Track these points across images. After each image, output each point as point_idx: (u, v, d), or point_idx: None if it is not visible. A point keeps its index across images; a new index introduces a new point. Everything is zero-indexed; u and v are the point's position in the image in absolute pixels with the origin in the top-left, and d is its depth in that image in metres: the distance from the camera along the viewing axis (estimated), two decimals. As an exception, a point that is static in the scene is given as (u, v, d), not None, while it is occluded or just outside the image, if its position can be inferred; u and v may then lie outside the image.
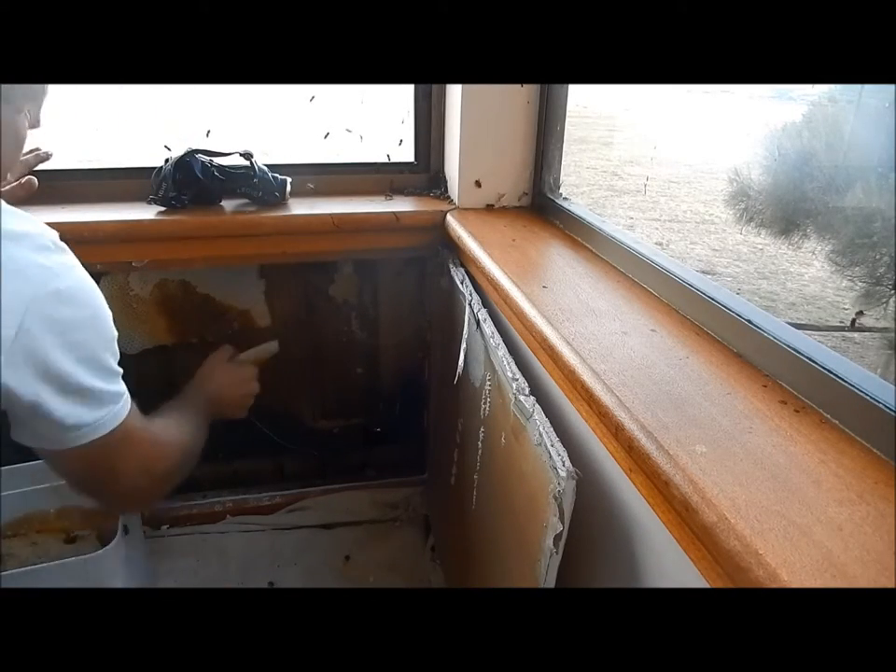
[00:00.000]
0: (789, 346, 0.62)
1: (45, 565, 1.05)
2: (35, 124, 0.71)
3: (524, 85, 1.15)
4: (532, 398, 0.75)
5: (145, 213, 1.13)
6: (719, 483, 0.48)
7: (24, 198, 1.02)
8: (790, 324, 0.65)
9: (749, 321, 0.67)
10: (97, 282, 0.67)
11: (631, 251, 0.90)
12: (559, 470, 0.63)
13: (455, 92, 1.18)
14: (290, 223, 1.17)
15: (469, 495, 1.04)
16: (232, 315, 1.41)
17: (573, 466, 0.63)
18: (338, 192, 1.29)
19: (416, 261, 1.42)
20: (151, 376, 1.39)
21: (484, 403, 0.92)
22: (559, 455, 0.65)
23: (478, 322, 0.95)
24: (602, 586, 0.75)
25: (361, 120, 1.50)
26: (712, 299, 0.73)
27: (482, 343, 0.94)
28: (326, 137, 1.35)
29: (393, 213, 1.20)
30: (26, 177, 1.03)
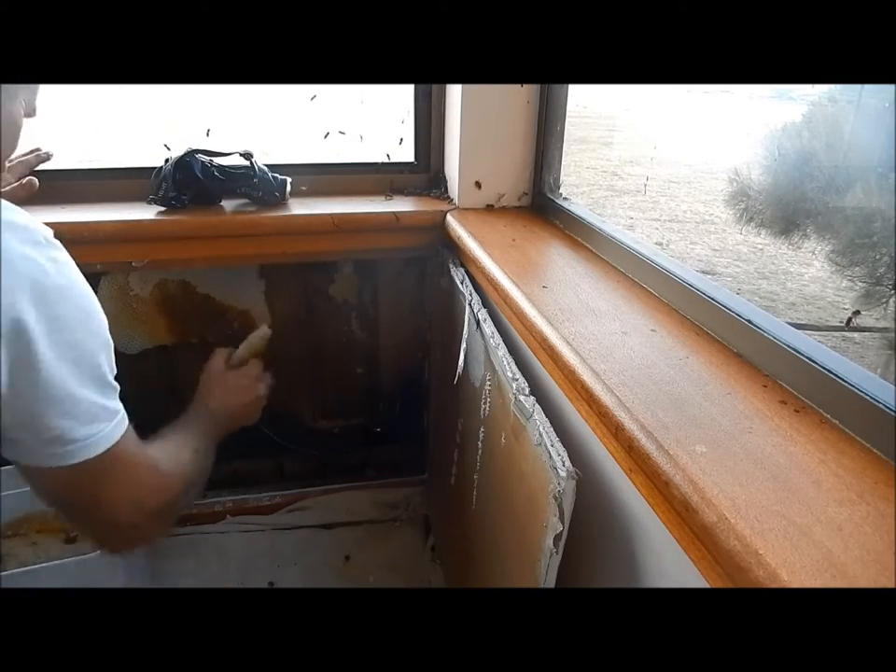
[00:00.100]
0: (789, 346, 0.62)
1: (45, 565, 1.05)
2: (30, 113, 0.68)
3: (524, 85, 1.15)
4: (532, 398, 0.75)
5: (145, 213, 1.13)
6: (719, 483, 0.48)
7: (25, 198, 1.02)
8: (790, 324, 0.65)
9: (749, 321, 0.67)
10: (97, 282, 0.67)
11: (631, 251, 0.90)
12: (559, 470, 0.63)
13: (455, 92, 1.18)
14: (290, 223, 1.17)
15: (469, 495, 1.04)
16: (232, 315, 1.41)
17: (573, 466, 0.63)
18: (338, 192, 1.29)
19: (416, 261, 1.42)
20: (151, 376, 1.39)
21: (484, 403, 0.92)
22: (559, 455, 0.65)
23: (478, 322, 0.95)
24: (602, 586, 0.75)
25: (361, 120, 1.50)
26: (712, 299, 0.73)
27: (482, 343, 0.94)
28: (326, 137, 1.35)
29: (393, 213, 1.20)
30: (27, 178, 1.03)
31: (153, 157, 1.18)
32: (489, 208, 1.24)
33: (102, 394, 0.64)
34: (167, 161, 1.14)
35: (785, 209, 1.96)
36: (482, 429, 0.94)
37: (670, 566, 0.60)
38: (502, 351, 0.84)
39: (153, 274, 1.32)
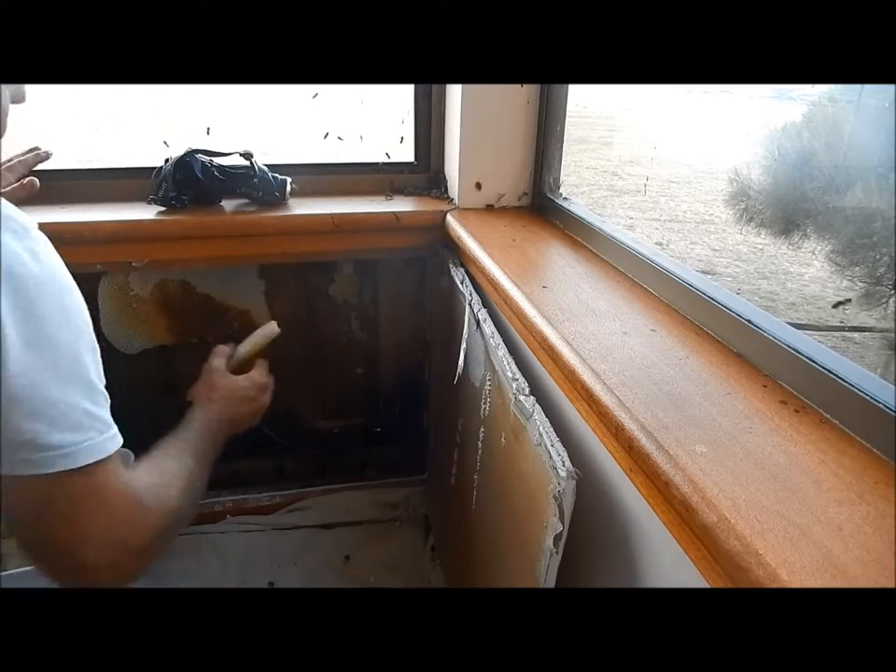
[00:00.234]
0: (789, 346, 0.62)
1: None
2: (19, 99, 0.65)
3: (524, 85, 1.15)
4: (532, 398, 0.75)
5: (145, 213, 1.13)
6: (719, 482, 0.48)
7: (26, 198, 1.02)
8: (790, 324, 0.65)
9: (749, 321, 0.67)
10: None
11: (631, 251, 0.90)
12: (559, 470, 0.63)
13: (455, 92, 1.18)
14: (290, 223, 1.17)
15: (469, 495, 1.03)
16: (232, 315, 1.41)
17: (573, 466, 0.63)
18: (338, 192, 1.29)
19: (416, 261, 1.42)
20: (151, 376, 1.40)
21: (484, 403, 0.92)
22: (559, 455, 0.65)
23: (478, 322, 0.95)
24: (602, 586, 0.75)
25: (361, 120, 1.50)
26: (712, 299, 0.73)
27: (482, 343, 0.94)
28: (325, 137, 1.35)
29: (393, 213, 1.20)
30: (28, 178, 1.03)
31: (153, 157, 1.18)
32: (489, 208, 1.24)
33: (89, 399, 0.57)
34: (167, 161, 1.14)
35: (785, 209, 1.96)
36: (482, 429, 0.94)
37: (670, 566, 0.60)
38: (502, 351, 0.84)
39: (153, 274, 1.32)
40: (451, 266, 1.14)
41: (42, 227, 0.59)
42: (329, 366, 1.52)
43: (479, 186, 1.22)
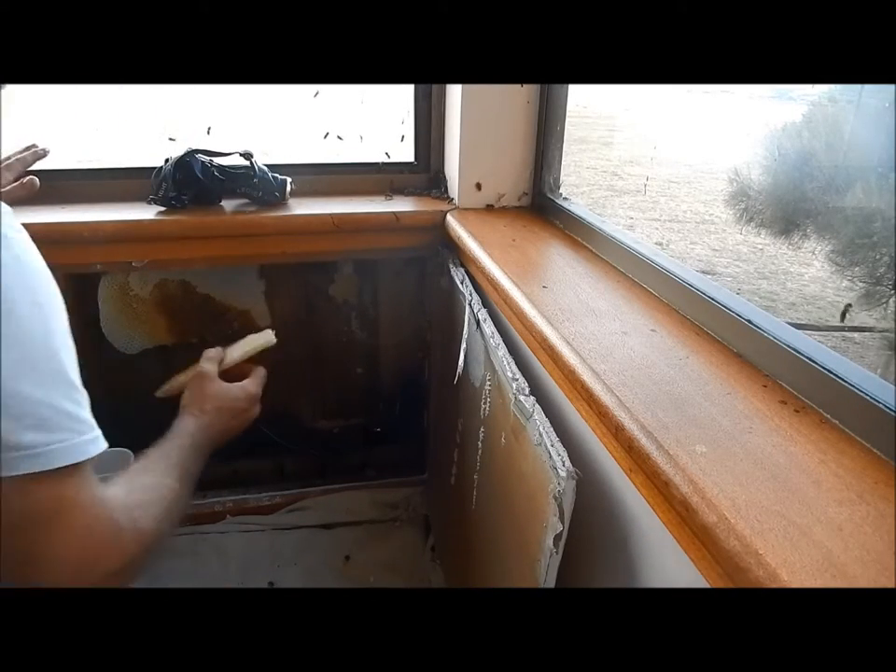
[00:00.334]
0: (789, 346, 0.62)
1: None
2: None
3: (524, 85, 1.15)
4: (532, 398, 0.75)
5: (145, 213, 1.13)
6: (719, 483, 0.48)
7: (25, 197, 1.01)
8: (790, 324, 0.65)
9: (749, 321, 0.67)
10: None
11: (631, 251, 0.90)
12: (559, 470, 0.63)
13: (455, 92, 1.18)
14: (290, 223, 1.17)
15: (469, 495, 1.04)
16: (232, 315, 1.41)
17: (573, 466, 0.63)
18: (338, 192, 1.29)
19: (416, 261, 1.42)
20: (151, 376, 1.39)
21: (484, 403, 0.92)
22: (559, 455, 0.65)
23: (478, 322, 0.95)
24: (602, 586, 0.75)
25: (361, 120, 1.50)
26: (712, 299, 0.73)
27: (482, 343, 0.94)
28: (325, 137, 1.35)
29: (393, 213, 1.20)
30: (28, 177, 1.03)
31: (153, 157, 1.18)
32: (489, 208, 1.24)
33: (65, 397, 0.53)
34: (167, 161, 1.14)
35: (785, 209, 1.96)
36: (482, 429, 0.94)
37: (670, 566, 0.60)
38: (502, 351, 0.84)
39: (153, 274, 1.32)
40: (451, 266, 1.14)
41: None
42: (329, 366, 1.52)
43: (479, 186, 1.22)
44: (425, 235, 1.23)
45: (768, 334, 0.64)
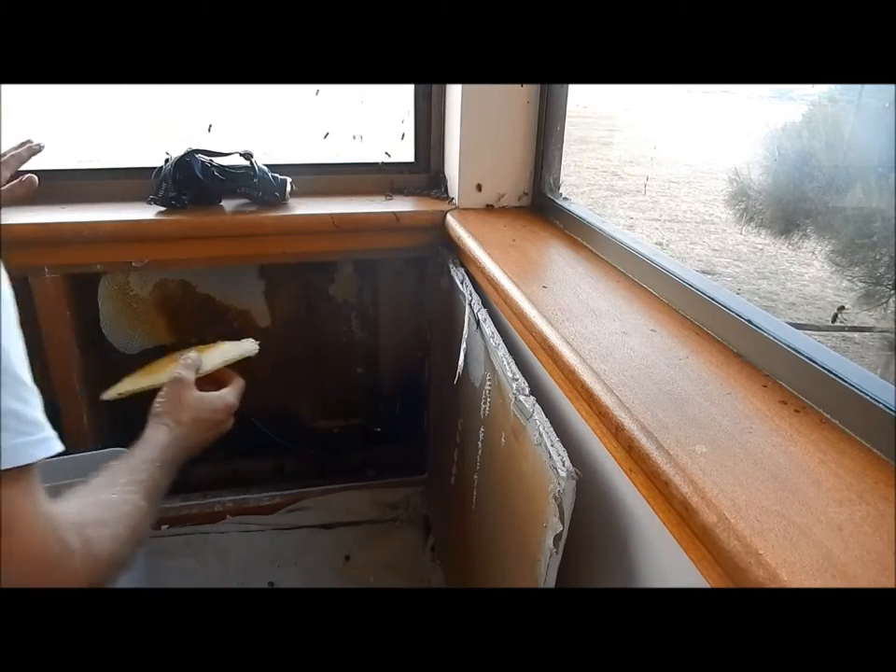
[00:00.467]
0: (789, 346, 0.62)
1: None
2: None
3: (524, 85, 1.15)
4: (532, 398, 0.75)
5: (145, 213, 1.13)
6: (719, 483, 0.48)
7: (24, 196, 1.01)
8: (790, 324, 0.65)
9: (749, 321, 0.67)
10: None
11: (631, 251, 0.90)
12: (559, 470, 0.63)
13: (455, 92, 1.18)
14: (290, 223, 1.17)
15: (469, 495, 1.03)
16: (232, 315, 1.41)
17: (573, 466, 0.63)
18: (338, 192, 1.29)
19: (416, 261, 1.42)
20: (151, 376, 1.39)
21: (484, 403, 0.92)
22: (559, 455, 0.65)
23: (478, 322, 0.95)
24: (602, 586, 0.75)
25: (361, 120, 1.50)
26: (712, 299, 0.73)
27: (482, 343, 0.94)
28: (325, 137, 1.35)
29: (393, 213, 1.20)
30: (27, 176, 1.02)
31: (153, 157, 1.18)
32: (489, 208, 1.24)
33: (11, 395, 0.47)
34: (167, 161, 1.14)
35: (785, 209, 1.96)
36: (482, 429, 0.94)
37: (670, 566, 0.60)
38: (502, 351, 0.84)
39: (153, 274, 1.32)
40: (451, 266, 1.14)
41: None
42: (329, 366, 1.52)
43: (479, 186, 1.22)
44: (425, 235, 1.23)
45: (768, 334, 0.64)
